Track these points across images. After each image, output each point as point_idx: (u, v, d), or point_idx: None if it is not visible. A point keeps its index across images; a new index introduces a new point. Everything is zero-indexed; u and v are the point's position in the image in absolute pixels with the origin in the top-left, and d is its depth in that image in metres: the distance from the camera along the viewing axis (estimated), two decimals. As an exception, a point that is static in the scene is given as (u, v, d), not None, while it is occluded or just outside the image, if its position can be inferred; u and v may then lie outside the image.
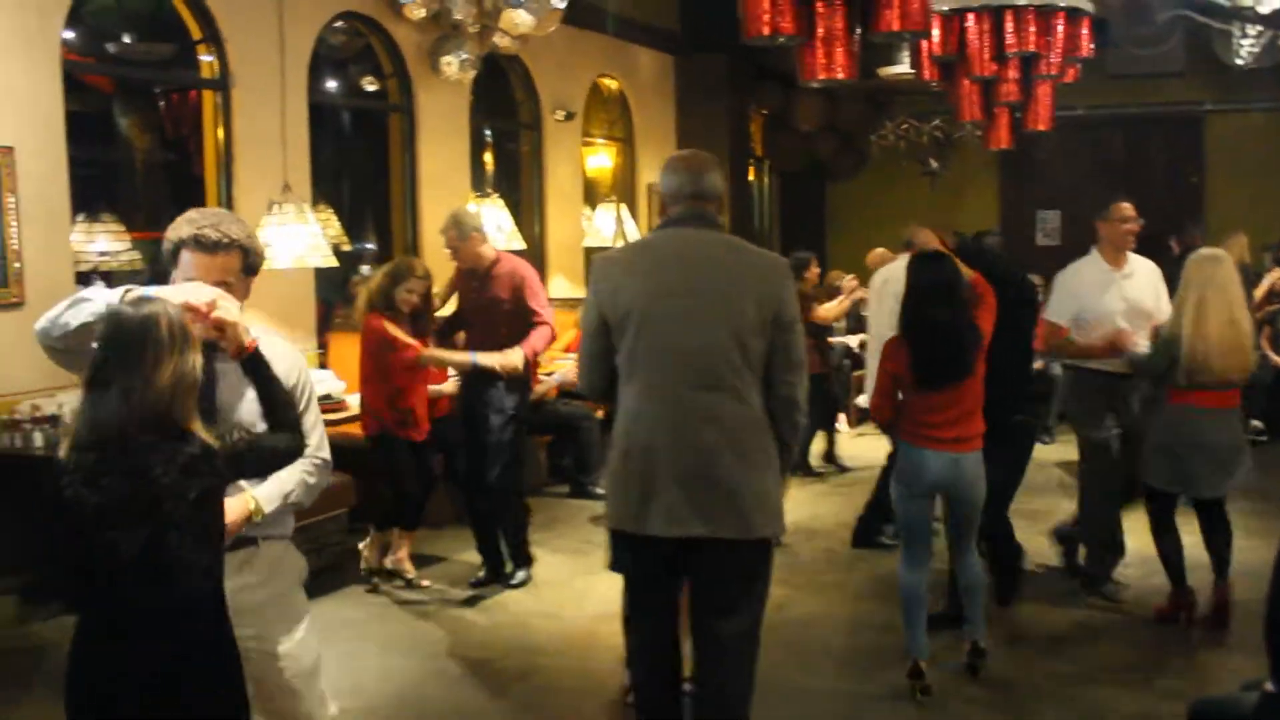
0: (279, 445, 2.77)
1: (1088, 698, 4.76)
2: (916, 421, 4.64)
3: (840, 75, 5.29)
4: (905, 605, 4.76)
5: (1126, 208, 5.85)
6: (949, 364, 4.57)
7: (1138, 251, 5.95)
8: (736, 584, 3.46)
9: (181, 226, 2.98)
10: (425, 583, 6.15)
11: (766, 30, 5.10)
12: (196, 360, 2.58)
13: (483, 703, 4.78)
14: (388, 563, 6.20)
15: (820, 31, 5.25)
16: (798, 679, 4.91)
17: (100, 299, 2.67)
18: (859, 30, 5.48)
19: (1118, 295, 5.75)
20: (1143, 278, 5.89)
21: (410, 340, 5.86)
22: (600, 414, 7.70)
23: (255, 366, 2.80)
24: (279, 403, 2.81)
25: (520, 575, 6.18)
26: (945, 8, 7.93)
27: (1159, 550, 5.49)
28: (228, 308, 2.73)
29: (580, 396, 6.40)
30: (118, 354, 2.53)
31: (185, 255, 2.95)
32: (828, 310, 8.51)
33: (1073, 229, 13.91)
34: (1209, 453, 5.27)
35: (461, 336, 6.35)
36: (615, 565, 3.72)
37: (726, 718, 3.51)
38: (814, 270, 9.04)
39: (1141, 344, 5.54)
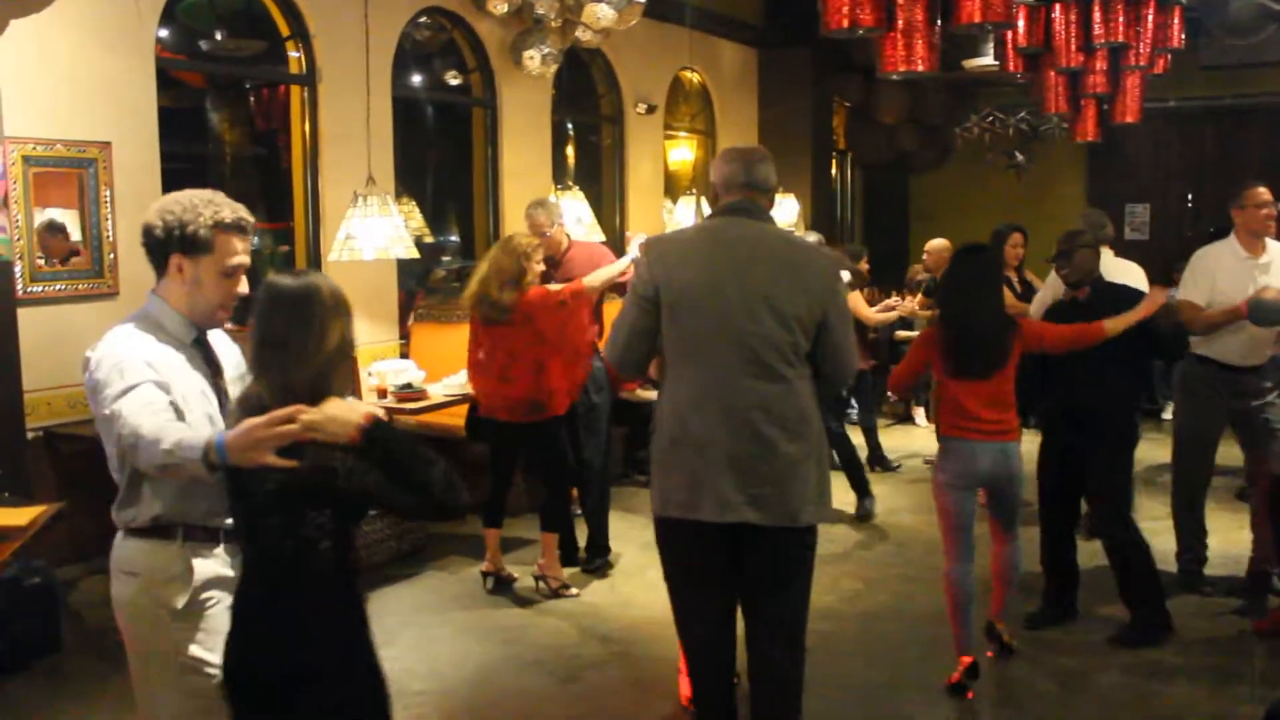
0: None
1: (1163, 698, 4.70)
2: (957, 414, 4.69)
3: (920, 67, 5.25)
4: (957, 602, 4.77)
5: (1262, 192, 5.61)
6: (977, 354, 4.63)
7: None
8: (783, 571, 3.51)
9: (206, 209, 2.83)
10: (573, 591, 5.94)
11: (846, 22, 5.07)
12: (352, 330, 2.66)
13: (554, 690, 4.84)
14: (538, 569, 5.96)
15: (900, 23, 5.21)
16: (861, 672, 4.91)
17: (169, 438, 2.56)
18: (939, 22, 5.44)
19: (1253, 285, 5.49)
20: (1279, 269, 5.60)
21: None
22: (639, 392, 7.79)
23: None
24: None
25: (597, 561, 6.26)
26: (1031, -1, 7.81)
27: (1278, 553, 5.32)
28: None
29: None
30: (284, 320, 2.61)
31: (224, 238, 2.83)
32: (869, 314, 8.26)
33: (1161, 223, 13.65)
34: None
35: None
36: (660, 554, 3.65)
37: (785, 701, 3.56)
38: (864, 265, 9.07)
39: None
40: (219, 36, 7.66)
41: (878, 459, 8.73)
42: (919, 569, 6.29)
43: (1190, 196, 13.54)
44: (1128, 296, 5.14)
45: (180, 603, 2.82)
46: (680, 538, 3.56)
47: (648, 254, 3.61)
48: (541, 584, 5.92)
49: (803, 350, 3.47)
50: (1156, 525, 6.98)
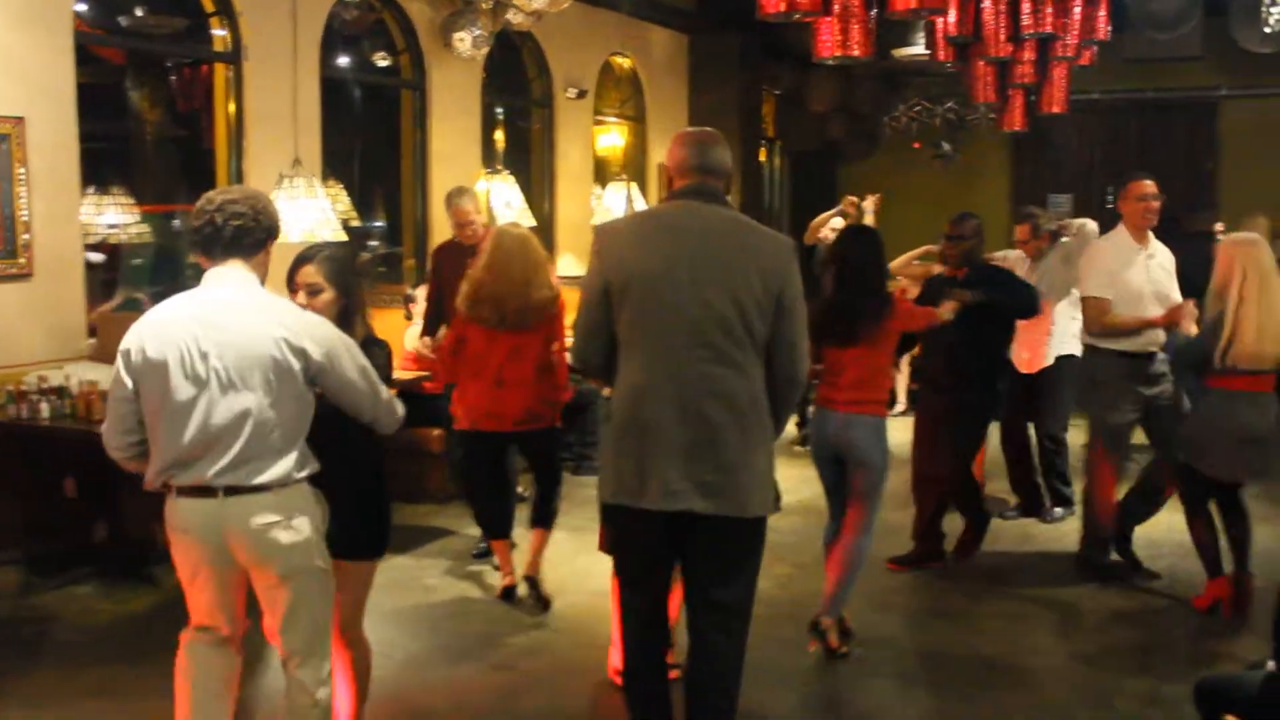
0: None
1: (1094, 679, 4.76)
2: (825, 384, 4.91)
3: (856, 53, 5.27)
4: (829, 559, 4.98)
5: (1145, 185, 5.73)
6: (840, 322, 4.82)
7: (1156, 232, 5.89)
8: (731, 560, 3.48)
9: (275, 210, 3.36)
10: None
11: (783, 6, 5.06)
12: None
13: (486, 678, 4.78)
14: (530, 570, 5.58)
15: (836, 8, 5.21)
16: (795, 658, 4.91)
17: None
18: (875, 9, 5.45)
19: (1144, 274, 5.68)
20: (1162, 259, 5.81)
21: None
22: (607, 392, 7.66)
23: None
24: None
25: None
26: (961, -12, 7.86)
27: (1197, 539, 5.41)
28: None
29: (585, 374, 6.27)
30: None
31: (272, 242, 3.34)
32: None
33: (1084, 213, 13.82)
34: (1256, 439, 5.17)
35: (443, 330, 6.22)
36: (607, 544, 3.73)
37: (724, 688, 3.53)
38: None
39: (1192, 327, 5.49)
40: (139, 13, 7.47)
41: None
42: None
43: (1110, 190, 13.75)
44: (999, 280, 5.71)
45: None
46: (626, 523, 3.51)
47: (599, 241, 3.54)
48: (531, 589, 5.55)
49: (758, 335, 3.41)
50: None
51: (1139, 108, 13.57)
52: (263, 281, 3.29)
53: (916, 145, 13.47)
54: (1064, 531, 6.64)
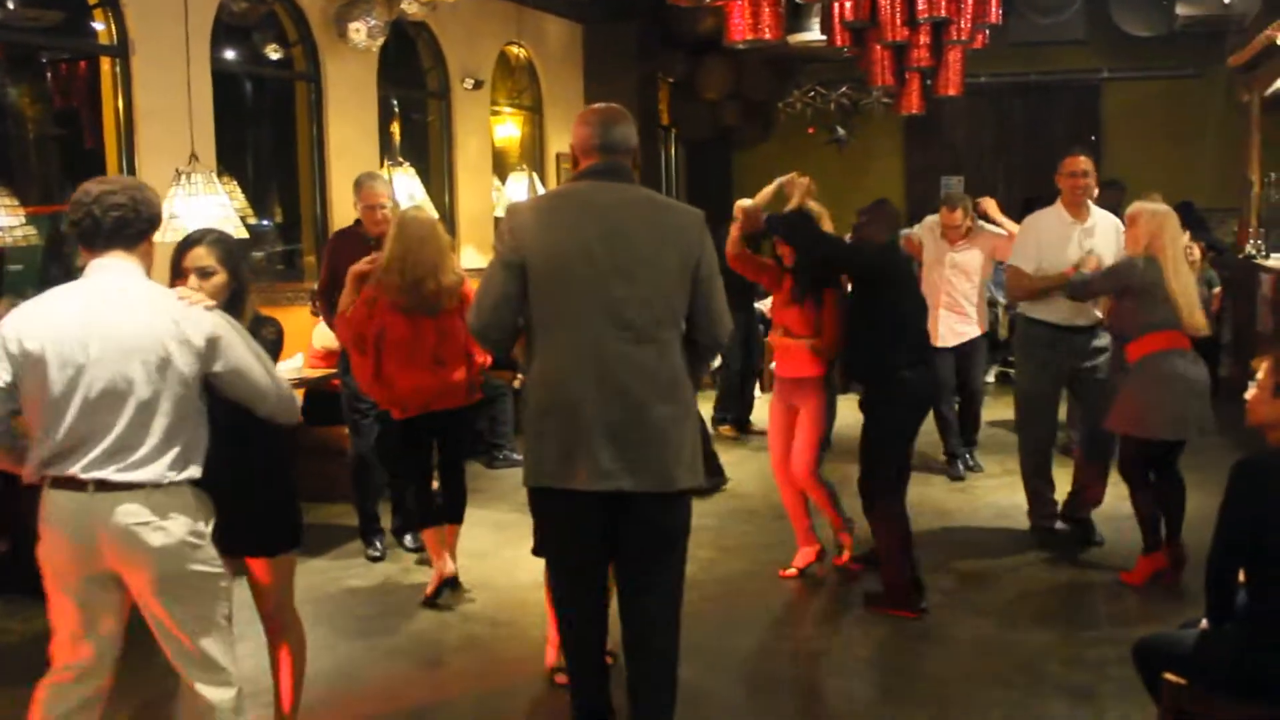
0: None
1: (1017, 646, 4.84)
2: None
3: (768, 36, 5.27)
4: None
5: (1078, 161, 5.92)
6: None
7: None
8: (663, 537, 3.45)
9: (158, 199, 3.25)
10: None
11: (694, -11, 5.03)
12: None
13: (418, 676, 4.69)
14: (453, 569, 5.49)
15: (747, -9, 5.20)
16: (728, 639, 4.92)
17: None
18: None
19: (1078, 247, 5.83)
20: (1104, 232, 5.93)
21: None
22: (517, 383, 7.59)
23: None
24: None
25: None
26: (857, -28, 7.94)
27: (1141, 509, 5.48)
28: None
29: (497, 368, 6.17)
30: None
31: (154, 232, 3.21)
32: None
33: (975, 194, 14.10)
34: (1199, 392, 5.30)
35: None
36: (538, 536, 3.65)
37: (664, 672, 3.51)
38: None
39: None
40: (10, 5, 7.15)
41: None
42: (770, 535, 6.34)
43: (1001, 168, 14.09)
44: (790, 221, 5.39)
45: None
46: (554, 508, 3.46)
47: (511, 220, 3.47)
48: (453, 585, 5.46)
49: (677, 311, 3.41)
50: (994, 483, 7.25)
51: (1024, 90, 13.88)
52: (148, 272, 3.20)
53: (811, 130, 13.58)
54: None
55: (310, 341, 7.06)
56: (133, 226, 3.14)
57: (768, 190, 5.45)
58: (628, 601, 3.51)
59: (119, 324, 3.04)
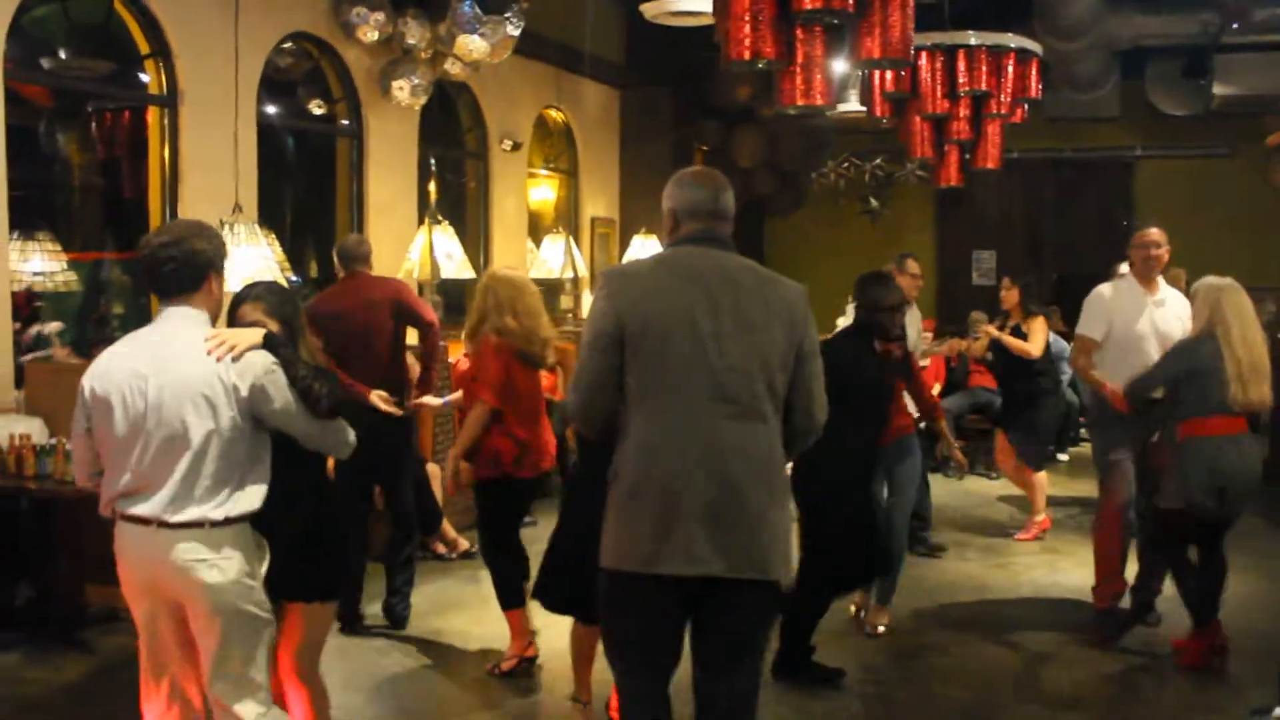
0: None
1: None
2: None
3: (819, 102, 5.24)
4: None
5: (1150, 234, 5.91)
6: None
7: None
8: (750, 628, 3.24)
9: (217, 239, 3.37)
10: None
11: (748, 54, 5.01)
12: None
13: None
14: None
15: (800, 58, 5.19)
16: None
17: None
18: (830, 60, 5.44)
19: (1149, 320, 5.75)
20: (1173, 307, 5.85)
21: None
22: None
23: None
24: None
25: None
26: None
27: (1186, 589, 5.30)
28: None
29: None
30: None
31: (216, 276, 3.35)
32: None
33: (1006, 268, 14.08)
34: (1247, 477, 5.16)
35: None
36: (603, 614, 3.35)
37: None
38: None
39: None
40: (63, 55, 7.23)
41: None
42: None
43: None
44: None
45: None
46: (635, 596, 3.20)
47: (609, 284, 3.25)
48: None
49: (779, 388, 3.21)
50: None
51: (1056, 165, 13.90)
52: (215, 311, 3.38)
53: (843, 201, 13.61)
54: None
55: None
56: (187, 276, 3.29)
57: None
58: (708, 685, 3.27)
59: (173, 371, 3.20)
